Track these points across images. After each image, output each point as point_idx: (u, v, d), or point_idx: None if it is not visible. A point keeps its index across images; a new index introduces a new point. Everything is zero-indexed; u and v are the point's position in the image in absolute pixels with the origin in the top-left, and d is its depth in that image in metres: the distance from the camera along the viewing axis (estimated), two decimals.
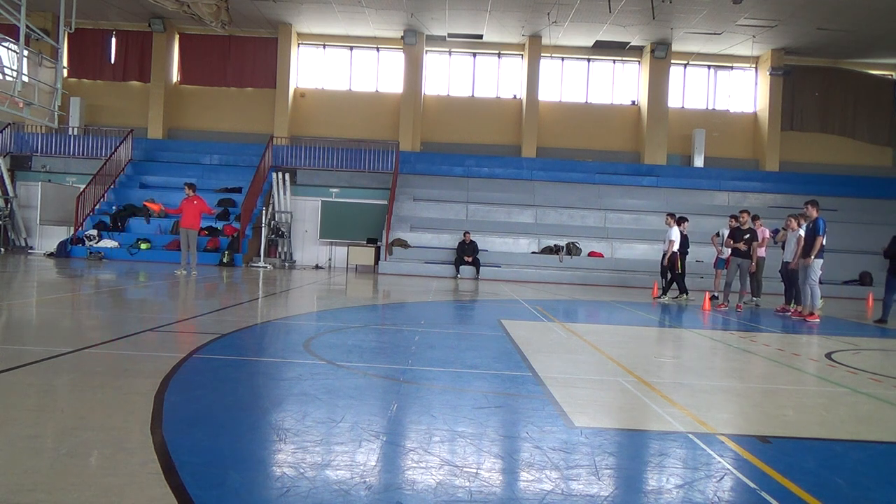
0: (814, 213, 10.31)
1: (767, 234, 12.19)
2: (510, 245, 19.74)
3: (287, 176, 19.51)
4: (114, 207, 19.95)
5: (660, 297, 12.82)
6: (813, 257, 10.08)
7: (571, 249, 19.19)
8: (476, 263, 18.16)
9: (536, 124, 23.68)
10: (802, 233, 10.77)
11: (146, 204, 17.38)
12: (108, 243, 18.21)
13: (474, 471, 2.67)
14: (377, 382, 4.40)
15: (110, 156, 20.93)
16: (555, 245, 19.38)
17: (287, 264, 19.49)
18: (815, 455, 3.21)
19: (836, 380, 5.31)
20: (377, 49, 24.29)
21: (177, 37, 24.12)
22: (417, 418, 3.50)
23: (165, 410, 3.40)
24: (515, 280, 17.64)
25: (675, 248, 12.57)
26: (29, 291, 9.68)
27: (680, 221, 12.80)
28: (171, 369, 4.34)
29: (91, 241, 18.15)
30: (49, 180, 20.25)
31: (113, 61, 23.89)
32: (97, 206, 19.89)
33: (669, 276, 12.83)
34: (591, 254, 19.34)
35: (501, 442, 3.16)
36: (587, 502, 2.38)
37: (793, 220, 11.14)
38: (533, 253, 19.45)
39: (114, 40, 23.90)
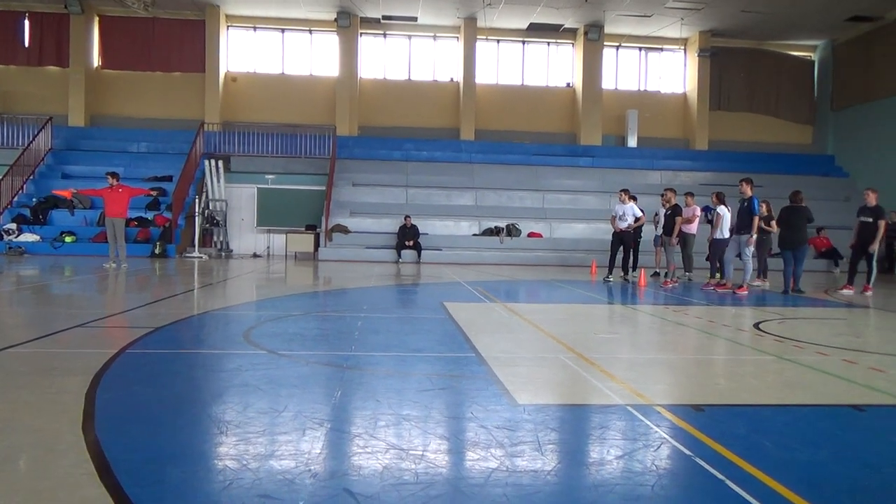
0: (748, 190, 10.66)
1: (698, 211, 12.57)
2: (451, 228, 19.80)
3: (220, 163, 18.96)
4: (34, 199, 18.95)
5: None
6: (753, 235, 10.49)
7: (511, 230, 19.40)
8: (417, 247, 18.15)
9: (474, 107, 23.72)
10: (725, 210, 11.32)
11: (55, 192, 16.46)
12: (29, 237, 17.31)
13: (420, 453, 2.68)
14: (320, 370, 4.36)
15: (28, 145, 19.84)
16: (495, 227, 19.55)
17: (223, 254, 19.00)
18: (745, 421, 3.36)
19: (763, 348, 5.57)
20: (310, 31, 23.77)
21: (96, 19, 22.94)
22: (362, 404, 3.49)
23: (98, 409, 3.27)
24: (457, 262, 17.73)
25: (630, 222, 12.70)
26: None
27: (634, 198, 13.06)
28: (103, 366, 4.18)
29: (10, 235, 17.22)
30: None
31: (27, 45, 22.54)
32: (15, 199, 18.85)
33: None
34: (530, 234, 19.61)
35: (446, 423, 3.18)
36: (532, 478, 2.43)
37: (716, 198, 11.58)
38: (474, 235, 19.58)
39: (27, 22, 22.55)
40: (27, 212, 18.38)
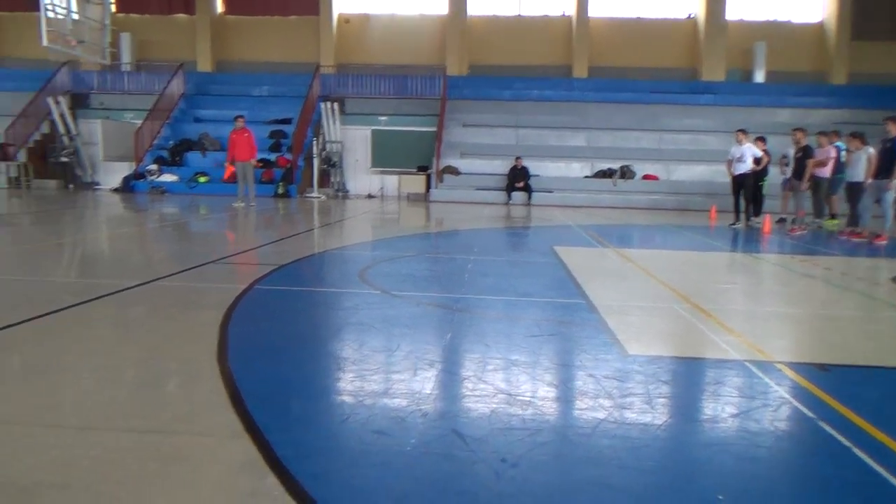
0: (893, 130, 9.63)
1: (833, 153, 11.53)
2: (562, 169, 19.39)
3: (336, 105, 19.43)
4: (170, 142, 20.37)
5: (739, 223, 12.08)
6: (894, 180, 9.52)
7: (625, 172, 18.73)
8: (528, 189, 17.97)
9: (587, 42, 22.74)
10: (872, 151, 10.16)
11: (223, 180, 17.31)
12: (168, 177, 18.71)
13: (528, 399, 2.72)
14: (431, 311, 4.48)
15: (163, 91, 21.21)
16: (608, 168, 18.95)
17: (340, 194, 19.70)
18: (876, 384, 3.15)
19: None
20: None
21: None
22: (471, 347, 3.57)
23: (230, 341, 3.55)
24: (568, 205, 17.42)
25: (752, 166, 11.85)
26: (100, 226, 10.12)
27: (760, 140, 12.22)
28: (235, 300, 4.51)
29: (152, 175, 18.70)
30: (108, 117, 20.74)
31: None
32: (155, 142, 20.35)
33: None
34: (645, 177, 18.86)
35: (555, 370, 3.20)
36: (640, 431, 2.41)
37: (855, 139, 10.48)
38: (586, 177, 19.08)
39: None
40: (166, 153, 19.83)
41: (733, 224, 12.02)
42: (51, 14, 14.56)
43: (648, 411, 2.61)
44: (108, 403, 2.59)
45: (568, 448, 2.26)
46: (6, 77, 22.84)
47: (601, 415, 2.55)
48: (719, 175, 17.60)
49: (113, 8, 20.60)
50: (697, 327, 4.14)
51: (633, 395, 2.79)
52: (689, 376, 3.24)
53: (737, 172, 11.92)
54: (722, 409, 2.70)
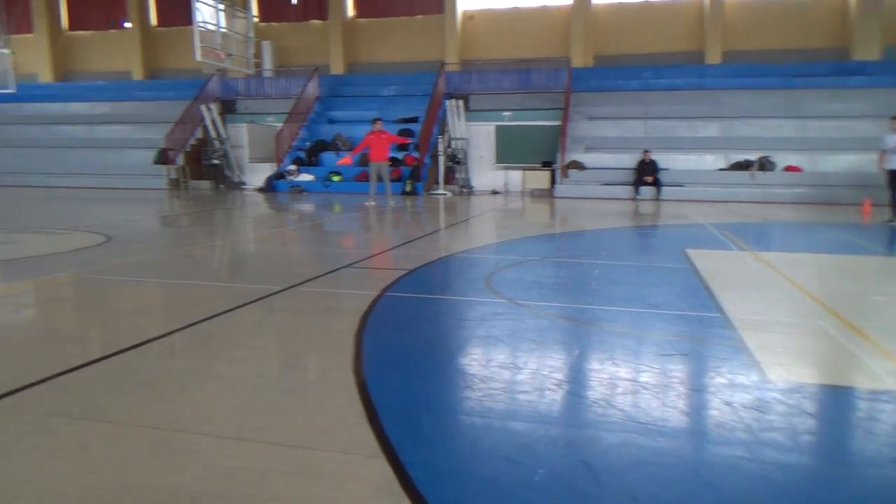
0: None
1: None
2: (694, 162, 18.47)
3: (461, 103, 19.66)
4: (307, 143, 21.56)
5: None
6: None
7: (764, 164, 17.53)
8: (657, 183, 17.30)
9: (721, 25, 21.44)
10: None
11: (338, 164, 18.32)
12: (306, 177, 19.85)
13: (659, 429, 2.66)
14: (558, 324, 4.47)
15: (300, 94, 22.45)
16: (745, 160, 17.81)
17: (465, 190, 19.94)
18: None
19: None
20: None
21: None
22: (599, 366, 3.52)
23: (364, 350, 3.74)
24: (701, 200, 16.59)
25: None
26: (247, 228, 10.95)
27: None
28: (368, 307, 4.73)
29: (291, 175, 19.90)
30: (252, 121, 22.27)
31: (295, 1, 25.24)
32: (293, 143, 21.61)
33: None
34: (787, 168, 17.54)
35: (687, 396, 3.09)
36: (783, 473, 2.29)
37: None
38: (720, 170, 18.05)
39: None
40: (303, 154, 21.03)
41: (891, 221, 10.94)
42: (202, 29, 15.88)
43: (792, 450, 2.47)
44: (257, 413, 2.82)
45: (703, 490, 2.18)
46: (165, 87, 25.18)
47: (739, 451, 2.44)
48: (872, 164, 16.07)
49: (256, 19, 22.08)
50: (848, 349, 3.83)
51: (774, 429, 2.65)
52: (838, 409, 3.01)
53: (890, 167, 10.85)
54: (878, 450, 2.49)
